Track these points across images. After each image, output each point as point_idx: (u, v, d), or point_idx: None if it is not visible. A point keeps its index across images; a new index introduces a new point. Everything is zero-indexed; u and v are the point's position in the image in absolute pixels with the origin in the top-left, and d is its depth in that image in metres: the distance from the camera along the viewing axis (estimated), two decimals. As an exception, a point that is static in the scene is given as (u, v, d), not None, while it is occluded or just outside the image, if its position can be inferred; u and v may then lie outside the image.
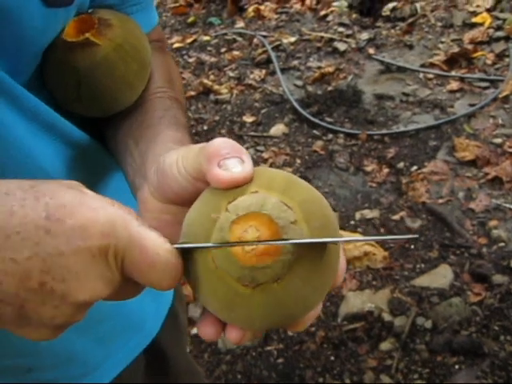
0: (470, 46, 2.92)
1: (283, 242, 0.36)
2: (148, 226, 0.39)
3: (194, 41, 3.61)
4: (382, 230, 2.04)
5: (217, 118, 2.84)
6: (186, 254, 0.40)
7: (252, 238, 0.36)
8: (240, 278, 0.37)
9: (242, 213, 0.37)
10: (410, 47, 3.09)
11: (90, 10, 0.57)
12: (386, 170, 2.32)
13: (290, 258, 0.37)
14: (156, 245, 0.38)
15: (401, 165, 2.33)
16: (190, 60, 3.38)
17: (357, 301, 1.79)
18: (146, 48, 0.59)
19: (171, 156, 0.44)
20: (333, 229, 0.39)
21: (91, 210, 0.36)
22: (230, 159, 0.39)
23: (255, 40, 3.41)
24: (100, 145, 0.63)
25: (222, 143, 0.40)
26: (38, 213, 0.35)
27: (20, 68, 0.52)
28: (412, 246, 1.97)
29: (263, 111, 2.82)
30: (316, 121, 2.61)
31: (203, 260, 0.38)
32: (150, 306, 0.73)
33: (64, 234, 0.35)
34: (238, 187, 0.38)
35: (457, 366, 1.58)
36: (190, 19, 3.86)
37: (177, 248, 0.39)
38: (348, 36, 3.27)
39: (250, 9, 3.72)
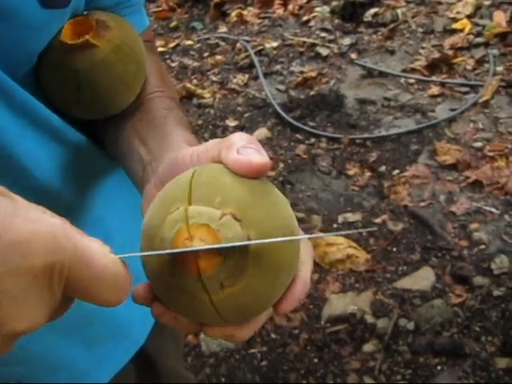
0: (450, 52, 2.95)
1: (223, 245, 0.36)
2: (87, 235, 0.34)
3: (177, 45, 3.61)
4: (364, 233, 2.05)
5: (200, 122, 2.84)
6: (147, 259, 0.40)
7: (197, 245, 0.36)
8: (193, 287, 0.37)
9: (190, 222, 0.37)
10: (392, 52, 3.12)
11: (85, 12, 0.57)
12: (368, 174, 2.33)
13: (234, 264, 0.37)
14: (103, 255, 0.33)
15: (383, 168, 2.34)
16: (173, 64, 3.38)
17: (340, 303, 1.80)
18: (142, 49, 0.60)
19: (186, 149, 0.45)
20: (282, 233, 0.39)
21: (30, 221, 0.31)
22: (249, 148, 0.40)
23: (238, 45, 3.41)
24: (97, 147, 0.62)
25: (241, 135, 0.41)
26: None
27: (13, 70, 0.51)
28: (394, 249, 1.99)
29: (246, 115, 2.83)
30: (299, 125, 2.62)
31: (161, 266, 0.38)
32: (137, 313, 0.72)
33: (0, 251, 0.29)
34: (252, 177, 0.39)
35: (439, 367, 1.60)
36: (173, 24, 3.86)
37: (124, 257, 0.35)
38: (330, 41, 3.29)
39: (233, 14, 3.73)
